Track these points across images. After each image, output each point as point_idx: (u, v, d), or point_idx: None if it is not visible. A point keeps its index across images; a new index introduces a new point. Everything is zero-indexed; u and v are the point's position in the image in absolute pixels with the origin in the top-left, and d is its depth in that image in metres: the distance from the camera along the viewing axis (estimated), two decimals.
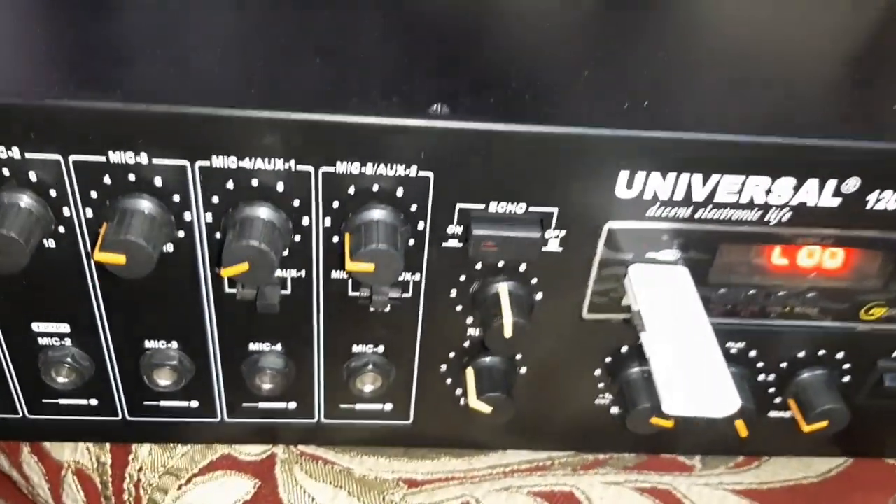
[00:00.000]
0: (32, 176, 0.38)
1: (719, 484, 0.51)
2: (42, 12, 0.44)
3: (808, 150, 0.39)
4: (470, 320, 0.45)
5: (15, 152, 0.38)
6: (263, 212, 0.39)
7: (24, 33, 0.43)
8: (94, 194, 0.39)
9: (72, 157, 0.38)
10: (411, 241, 0.42)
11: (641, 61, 0.44)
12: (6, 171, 0.38)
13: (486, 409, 0.45)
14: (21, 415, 0.49)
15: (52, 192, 0.39)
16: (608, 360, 0.47)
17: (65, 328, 0.45)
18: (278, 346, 0.46)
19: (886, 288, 0.45)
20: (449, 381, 0.48)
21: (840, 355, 0.48)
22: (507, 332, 0.42)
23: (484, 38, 0.46)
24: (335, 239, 0.41)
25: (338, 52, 0.43)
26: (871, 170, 0.39)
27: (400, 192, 0.40)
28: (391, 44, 0.44)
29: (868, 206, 0.41)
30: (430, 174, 0.39)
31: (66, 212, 0.40)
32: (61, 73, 0.39)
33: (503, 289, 0.43)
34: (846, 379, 0.49)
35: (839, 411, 0.47)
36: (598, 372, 0.48)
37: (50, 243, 0.41)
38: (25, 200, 0.39)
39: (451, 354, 0.47)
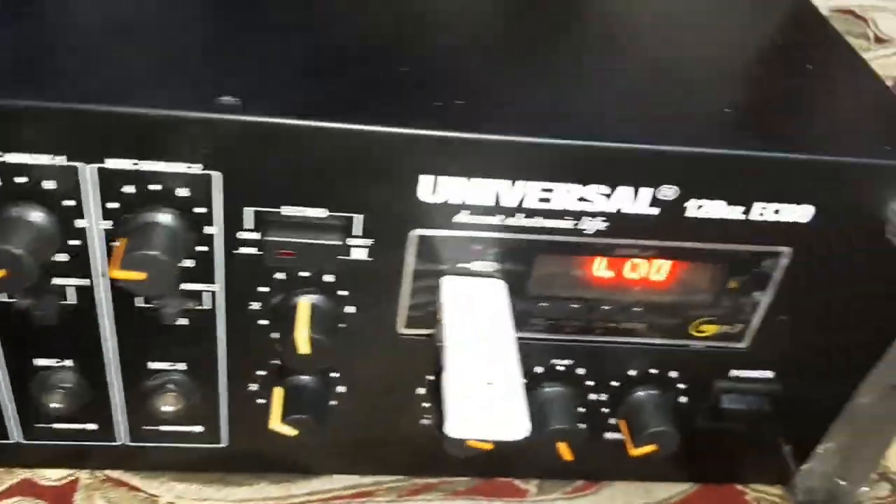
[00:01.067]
0: None
1: None
2: None
3: (616, 154, 0.37)
4: (276, 336, 0.42)
5: None
6: (28, 213, 0.36)
7: None
8: None
9: None
10: (202, 248, 0.38)
11: (460, 57, 0.42)
12: None
13: (290, 432, 0.42)
14: None
15: None
16: (431, 378, 0.45)
17: None
18: (68, 362, 0.42)
19: (716, 303, 0.43)
20: (262, 401, 0.45)
21: (673, 374, 0.46)
22: (303, 349, 0.38)
23: (294, 31, 0.42)
24: (117, 243, 0.38)
25: (133, 34, 0.39)
26: (689, 177, 0.38)
27: (183, 192, 0.36)
28: (190, 31, 0.41)
29: (688, 215, 0.39)
30: (216, 173, 0.36)
31: None
32: None
33: (304, 302, 0.40)
34: (683, 400, 0.47)
35: (668, 434, 0.44)
36: (420, 391, 0.45)
37: None
38: None
39: (261, 372, 0.44)
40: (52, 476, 0.48)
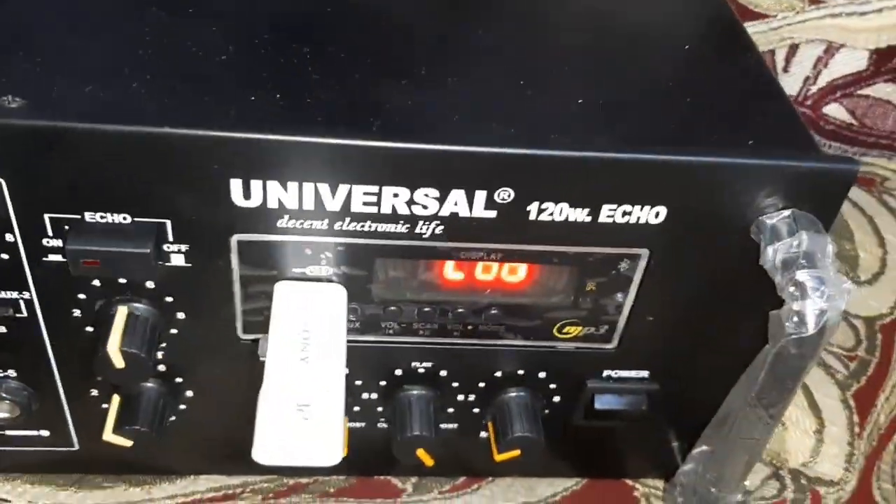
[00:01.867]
0: None
1: None
2: None
3: (441, 157, 0.33)
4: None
5: None
6: None
7: None
8: None
9: None
10: (5, 256, 0.36)
11: (281, 48, 0.38)
12: None
13: (124, 443, 0.40)
14: None
15: None
16: None
17: None
18: None
19: (577, 305, 0.40)
20: (105, 405, 0.42)
21: (542, 375, 0.43)
22: (118, 363, 0.36)
23: (91, 24, 0.39)
24: None
25: None
26: (523, 180, 0.34)
27: None
28: None
29: (532, 218, 0.36)
30: (1, 180, 0.33)
31: None
32: None
33: (122, 311, 0.37)
34: (556, 399, 0.44)
35: (530, 440, 0.42)
36: None
37: None
38: None
39: (99, 378, 0.41)
40: None
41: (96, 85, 0.34)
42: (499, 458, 0.43)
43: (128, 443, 0.40)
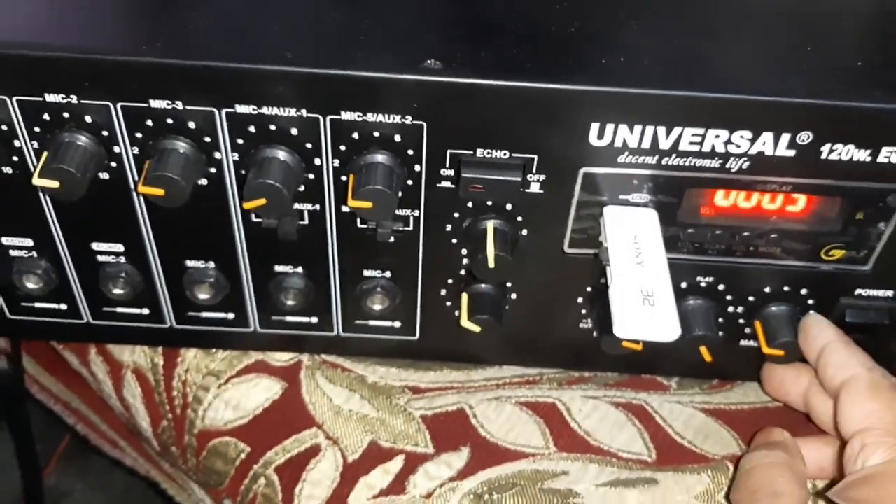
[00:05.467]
0: (87, 118, 0.45)
1: (690, 402, 0.57)
2: None
3: (761, 106, 0.43)
4: (464, 252, 0.51)
5: (72, 98, 0.44)
6: (279, 153, 0.46)
7: None
8: (138, 135, 0.46)
9: (119, 104, 0.45)
10: (409, 182, 0.48)
11: (626, 20, 0.49)
12: (66, 114, 0.45)
13: (475, 328, 0.52)
14: (86, 320, 0.58)
15: (104, 133, 0.46)
16: (589, 289, 0.53)
17: (119, 248, 0.52)
18: (300, 269, 0.53)
19: (844, 232, 0.49)
20: (449, 303, 0.55)
21: (804, 292, 0.52)
22: (491, 264, 0.47)
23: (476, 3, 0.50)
24: (344, 178, 0.48)
25: (348, 8, 0.48)
26: (823, 125, 0.44)
27: (398, 138, 0.45)
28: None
29: (822, 157, 0.45)
30: (424, 123, 0.45)
31: (116, 149, 0.47)
32: (111, 29, 0.46)
33: (490, 225, 0.48)
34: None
35: (795, 345, 0.51)
36: (580, 300, 0.54)
37: (104, 176, 0.48)
38: (82, 139, 0.46)
39: (450, 281, 0.53)
40: (280, 358, 0.60)
41: (488, 51, 0.45)
42: (766, 351, 0.52)
43: (477, 328, 0.52)
